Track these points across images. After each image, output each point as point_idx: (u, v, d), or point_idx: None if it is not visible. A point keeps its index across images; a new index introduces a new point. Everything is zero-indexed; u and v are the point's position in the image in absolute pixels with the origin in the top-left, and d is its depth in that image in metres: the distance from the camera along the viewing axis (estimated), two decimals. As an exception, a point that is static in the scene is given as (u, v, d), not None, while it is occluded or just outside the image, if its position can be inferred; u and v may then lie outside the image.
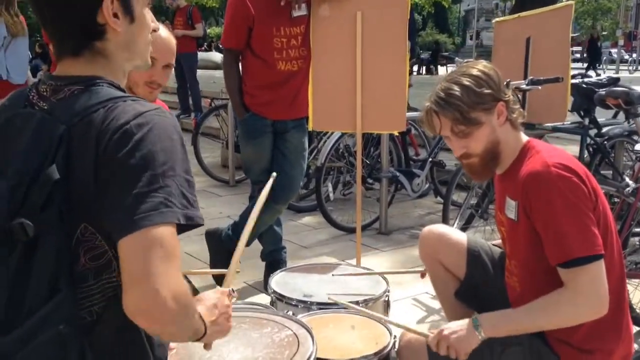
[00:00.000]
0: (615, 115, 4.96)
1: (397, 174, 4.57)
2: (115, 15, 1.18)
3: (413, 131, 5.41)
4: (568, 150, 1.99)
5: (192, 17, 8.29)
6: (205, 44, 21.66)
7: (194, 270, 3.08)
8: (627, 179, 3.03)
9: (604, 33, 43.25)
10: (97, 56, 1.21)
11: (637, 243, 3.17)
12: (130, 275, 1.03)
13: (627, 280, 1.93)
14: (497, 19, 3.97)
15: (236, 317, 1.88)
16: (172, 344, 1.52)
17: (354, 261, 3.31)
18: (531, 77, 3.29)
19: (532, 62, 3.51)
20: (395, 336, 1.97)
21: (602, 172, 4.15)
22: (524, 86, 3.18)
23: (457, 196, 4.18)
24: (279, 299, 2.25)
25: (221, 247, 3.31)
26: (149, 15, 1.27)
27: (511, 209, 1.86)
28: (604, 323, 1.75)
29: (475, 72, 1.82)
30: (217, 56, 20.69)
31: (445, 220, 3.72)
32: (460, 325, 1.78)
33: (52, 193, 1.07)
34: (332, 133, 4.65)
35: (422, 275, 2.43)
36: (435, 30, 48.63)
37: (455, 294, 2.22)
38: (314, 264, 2.80)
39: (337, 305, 2.17)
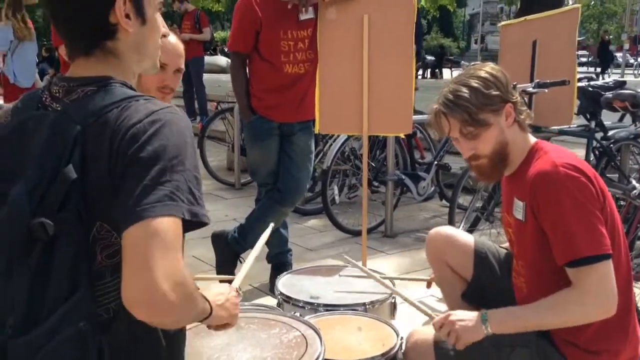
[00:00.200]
0: (621, 119, 4.96)
1: (403, 177, 4.57)
2: (127, 16, 1.20)
3: (419, 134, 5.42)
4: (574, 153, 1.99)
5: (200, 21, 8.32)
6: (211, 47, 21.73)
7: (200, 275, 3.09)
8: (633, 182, 3.03)
9: (610, 37, 43.23)
10: (109, 56, 1.22)
11: (644, 246, 3.17)
12: (129, 266, 1.04)
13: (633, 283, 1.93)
14: (504, 22, 3.99)
15: (244, 318, 1.90)
16: None
17: (359, 264, 3.30)
18: (537, 80, 3.30)
19: (539, 65, 3.52)
20: (402, 337, 1.98)
21: (608, 175, 4.15)
22: (530, 89, 3.19)
23: (463, 199, 4.18)
24: (286, 301, 2.26)
25: (227, 250, 3.32)
26: (159, 19, 1.29)
27: (519, 209, 1.86)
28: (611, 324, 1.75)
29: (483, 74, 1.83)
30: (222, 60, 20.75)
31: (451, 223, 3.72)
32: (468, 315, 1.78)
33: (70, 193, 1.08)
34: (337, 136, 4.67)
35: (429, 285, 2.43)
36: (440, 34, 48.60)
37: (462, 295, 2.23)
38: (320, 266, 2.81)
39: (344, 307, 2.18)
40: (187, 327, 1.62)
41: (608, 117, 4.31)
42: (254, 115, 3.24)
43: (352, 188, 4.98)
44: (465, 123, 1.81)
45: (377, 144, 4.90)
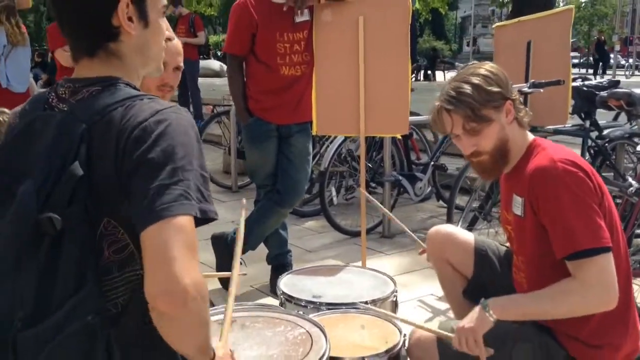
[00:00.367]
0: (615, 118, 5.00)
1: (400, 177, 4.59)
2: (130, 19, 1.22)
3: (414, 136, 5.44)
4: (569, 152, 2.01)
5: (195, 25, 8.33)
6: (206, 51, 21.73)
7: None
8: (630, 179, 3.06)
9: (593, 39, 43.53)
10: (112, 57, 1.24)
11: (641, 243, 3.21)
12: (152, 263, 1.05)
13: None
14: (498, 24, 4.02)
15: (249, 317, 1.91)
16: None
17: (359, 264, 3.33)
18: (533, 80, 3.32)
19: (533, 66, 3.55)
20: (405, 334, 1.99)
21: (603, 174, 4.18)
22: (525, 89, 3.22)
23: (460, 200, 4.21)
24: (288, 300, 2.27)
25: (227, 251, 3.32)
26: (164, 23, 1.31)
27: (518, 205, 1.89)
28: (611, 318, 1.77)
29: (483, 71, 1.86)
30: (215, 64, 20.77)
31: (449, 222, 3.74)
32: (471, 314, 1.81)
33: (77, 189, 1.11)
34: (334, 138, 4.69)
35: (422, 252, 2.45)
36: (432, 37, 48.79)
37: (463, 292, 2.25)
38: (320, 266, 2.82)
39: (346, 306, 2.20)
40: None
41: (603, 117, 4.35)
42: (252, 117, 3.25)
43: (349, 189, 5.00)
44: (468, 119, 1.83)
45: (374, 145, 4.92)
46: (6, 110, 2.58)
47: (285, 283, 2.43)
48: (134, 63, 1.27)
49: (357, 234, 4.24)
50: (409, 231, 1.95)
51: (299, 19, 3.13)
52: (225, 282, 3.39)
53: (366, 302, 2.22)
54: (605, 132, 4.00)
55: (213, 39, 33.45)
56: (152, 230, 1.05)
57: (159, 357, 1.20)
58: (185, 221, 1.07)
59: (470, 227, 3.81)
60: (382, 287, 2.40)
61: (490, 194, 3.74)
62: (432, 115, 1.93)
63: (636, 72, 25.77)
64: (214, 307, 2.00)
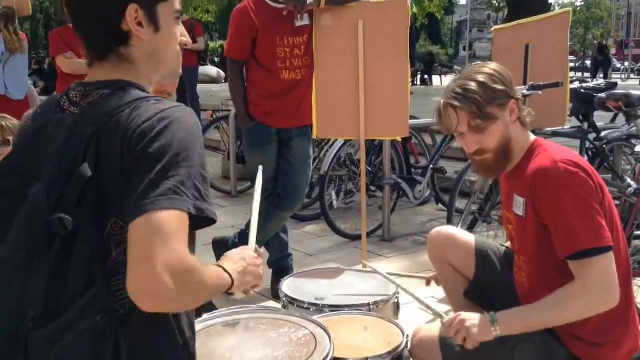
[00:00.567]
0: (613, 120, 5.03)
1: (400, 181, 4.61)
2: (140, 24, 1.23)
3: (413, 140, 5.47)
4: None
5: (194, 30, 8.35)
6: (206, 57, 21.75)
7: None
8: (628, 180, 3.08)
9: (595, 42, 43.68)
10: (123, 62, 1.26)
11: (640, 244, 3.22)
12: (132, 258, 1.06)
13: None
14: (497, 27, 4.04)
15: (253, 318, 1.92)
16: None
17: (359, 267, 3.33)
18: (531, 83, 3.34)
19: (532, 69, 3.57)
20: (407, 335, 2.00)
21: (601, 176, 4.20)
22: (524, 91, 3.24)
23: (459, 203, 4.22)
24: (291, 303, 2.28)
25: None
26: (178, 28, 1.32)
27: (519, 205, 1.90)
28: (612, 317, 1.78)
29: (488, 70, 1.88)
30: (213, 70, 20.79)
31: (449, 224, 3.76)
32: (477, 317, 1.81)
33: (86, 190, 1.12)
34: (333, 142, 4.70)
35: (428, 283, 2.47)
36: (428, 41, 48.97)
37: (464, 293, 2.26)
38: (322, 268, 2.83)
39: (349, 308, 2.21)
40: (199, 328, 1.63)
41: (600, 119, 4.37)
42: (252, 121, 3.27)
43: (348, 193, 5.01)
44: (473, 115, 1.85)
45: (373, 149, 4.94)
46: (6, 115, 2.59)
47: (288, 286, 2.44)
48: (146, 67, 1.29)
49: (357, 238, 4.25)
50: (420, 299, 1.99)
51: (299, 24, 3.16)
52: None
53: (368, 304, 2.23)
54: (603, 133, 4.02)
55: (210, 45, 33.49)
56: (135, 225, 1.06)
57: (165, 357, 1.21)
58: (170, 216, 1.06)
59: (469, 229, 3.82)
60: (383, 288, 2.41)
61: (489, 197, 3.75)
62: (437, 113, 1.93)
63: (632, 76, 25.91)
64: (217, 310, 2.02)
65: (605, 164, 4.07)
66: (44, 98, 6.47)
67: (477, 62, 2.07)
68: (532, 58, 3.57)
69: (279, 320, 1.91)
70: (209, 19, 23.18)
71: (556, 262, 1.78)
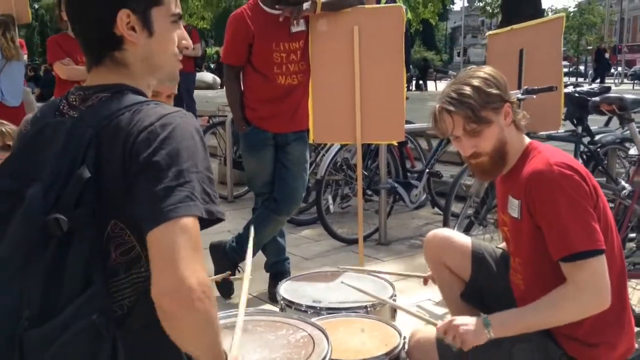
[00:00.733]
0: (607, 123, 5.06)
1: (396, 185, 4.63)
2: (133, 29, 1.24)
3: (409, 144, 5.49)
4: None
5: (191, 37, 8.37)
6: (202, 64, 21.76)
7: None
8: (622, 182, 3.11)
9: (589, 47, 43.90)
10: (118, 66, 1.27)
11: (634, 246, 3.24)
12: (159, 262, 1.07)
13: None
14: (491, 32, 4.08)
15: (251, 321, 1.93)
16: None
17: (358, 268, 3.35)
18: (526, 87, 3.37)
19: (526, 73, 3.60)
20: (405, 337, 2.01)
21: (595, 179, 4.22)
22: (519, 95, 3.26)
23: (454, 206, 4.24)
24: (289, 306, 2.28)
25: (225, 259, 3.35)
26: (176, 31, 1.32)
27: (514, 207, 1.92)
28: (607, 317, 1.80)
29: (482, 74, 1.90)
30: (208, 76, 20.84)
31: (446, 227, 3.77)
32: (470, 320, 1.82)
33: (84, 192, 1.13)
34: (330, 147, 4.72)
35: (425, 282, 2.49)
36: (423, 47, 49.17)
37: (460, 295, 2.27)
38: (319, 271, 2.84)
39: (346, 310, 2.22)
40: None
41: (594, 123, 4.41)
42: (249, 126, 3.28)
43: (344, 198, 5.03)
44: (468, 120, 1.87)
45: (369, 153, 4.96)
46: (4, 121, 2.60)
47: (285, 289, 2.45)
48: (141, 71, 1.29)
49: (353, 242, 4.27)
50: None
51: (295, 29, 3.18)
52: (223, 290, 3.40)
53: (365, 307, 2.25)
54: (597, 137, 4.05)
55: (206, 52, 33.52)
56: (158, 232, 1.08)
57: (165, 357, 1.21)
58: (190, 222, 1.09)
59: (465, 232, 3.83)
60: (381, 291, 2.42)
61: (485, 200, 3.77)
62: (433, 117, 1.95)
63: (625, 80, 26.05)
64: (220, 312, 2.02)
65: (600, 167, 4.10)
66: (39, 105, 6.46)
67: (472, 66, 2.09)
68: (526, 63, 3.59)
69: (276, 322, 1.92)
70: (205, 26, 23.19)
71: (551, 264, 1.80)
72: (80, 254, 1.13)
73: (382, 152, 4.52)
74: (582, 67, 39.14)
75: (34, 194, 1.13)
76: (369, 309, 2.24)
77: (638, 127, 3.23)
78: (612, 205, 3.14)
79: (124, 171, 1.14)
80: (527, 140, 1.98)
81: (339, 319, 2.17)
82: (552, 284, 1.79)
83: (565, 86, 3.93)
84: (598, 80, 21.90)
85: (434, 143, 5.31)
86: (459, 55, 49.61)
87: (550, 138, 3.81)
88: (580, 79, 26.98)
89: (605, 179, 4.03)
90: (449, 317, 2.49)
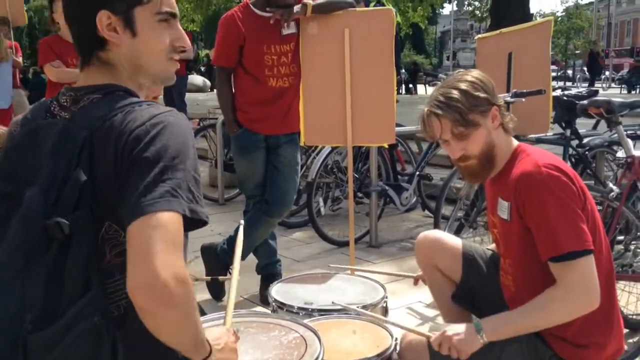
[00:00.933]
0: (595, 127, 5.11)
1: (386, 187, 4.65)
2: (115, 30, 1.24)
3: (399, 147, 5.52)
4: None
5: None
6: (195, 67, 21.67)
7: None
8: (610, 184, 3.14)
9: (577, 52, 44.26)
10: (106, 65, 1.28)
11: (622, 248, 3.28)
12: (132, 257, 1.07)
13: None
14: (480, 36, 4.10)
15: (243, 322, 1.93)
16: None
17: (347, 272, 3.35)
18: (514, 90, 3.40)
19: (514, 77, 3.63)
20: (396, 338, 2.02)
21: (584, 182, 4.26)
22: (508, 98, 3.29)
23: (444, 209, 4.27)
24: (280, 307, 2.28)
25: (217, 262, 3.35)
26: (165, 31, 1.29)
27: (503, 209, 1.94)
28: (596, 318, 1.82)
29: (470, 78, 1.92)
30: (198, 79, 20.80)
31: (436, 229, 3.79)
32: (462, 328, 1.83)
33: (82, 194, 1.13)
34: (320, 150, 4.74)
35: (416, 282, 2.51)
36: (412, 51, 49.34)
37: (452, 297, 2.29)
38: (310, 273, 2.85)
39: (338, 312, 2.23)
40: None
41: (583, 126, 4.45)
42: (240, 128, 3.29)
43: (335, 200, 5.04)
44: (456, 123, 1.89)
45: (360, 156, 4.98)
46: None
47: (277, 291, 2.45)
48: (128, 71, 1.29)
49: (344, 244, 4.28)
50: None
51: (285, 32, 3.18)
52: (215, 293, 3.40)
53: (357, 308, 2.25)
54: (585, 140, 4.09)
55: (198, 54, 33.41)
56: (134, 226, 1.07)
57: (164, 357, 1.21)
58: (169, 217, 1.08)
59: (456, 235, 3.86)
60: (372, 293, 2.43)
61: (475, 203, 3.80)
62: (421, 121, 1.98)
63: (613, 85, 26.27)
64: (207, 315, 2.02)
65: (588, 170, 4.14)
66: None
67: (460, 70, 2.11)
68: (514, 66, 3.63)
69: (269, 323, 1.92)
70: (194, 28, 23.13)
71: (541, 265, 1.81)
72: (79, 256, 1.13)
73: (373, 154, 4.53)
74: (570, 71, 39.45)
75: (32, 197, 1.13)
76: (360, 310, 2.24)
77: (625, 130, 3.27)
78: (600, 207, 3.17)
79: (116, 171, 1.14)
80: (516, 142, 2.01)
81: (331, 320, 2.17)
82: (542, 285, 1.80)
83: (554, 90, 3.97)
84: (585, 85, 21.99)
85: (424, 146, 5.33)
86: (448, 59, 49.87)
87: (539, 141, 3.84)
88: (569, 83, 27.14)
89: (593, 181, 4.08)
90: (440, 320, 2.52)
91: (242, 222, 2.02)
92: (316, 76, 3.25)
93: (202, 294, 3.32)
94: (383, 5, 7.55)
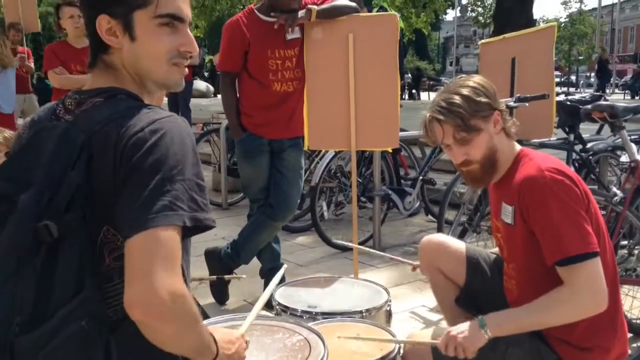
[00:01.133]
0: (598, 131, 5.11)
1: (390, 192, 4.65)
2: (115, 34, 1.25)
3: (403, 152, 5.52)
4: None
5: None
6: (201, 72, 21.67)
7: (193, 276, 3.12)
8: (614, 189, 3.14)
9: (580, 57, 44.22)
10: (109, 69, 1.29)
11: (626, 253, 3.27)
12: (131, 272, 1.08)
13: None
14: (483, 41, 4.11)
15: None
16: None
17: (351, 275, 3.35)
18: (518, 95, 3.41)
19: (518, 81, 3.63)
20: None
21: (587, 186, 4.26)
22: (511, 103, 3.30)
23: (447, 214, 4.27)
24: (284, 311, 2.29)
25: (220, 266, 3.35)
26: (167, 35, 1.27)
27: (507, 213, 1.94)
28: (600, 321, 1.82)
29: (471, 83, 1.93)
30: (202, 85, 20.82)
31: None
32: (466, 326, 1.84)
33: (75, 197, 1.13)
34: (324, 154, 4.74)
35: (413, 269, 2.50)
36: (415, 57, 49.42)
37: (455, 300, 2.29)
38: (314, 277, 2.85)
39: (341, 315, 2.23)
40: None
41: (586, 131, 4.45)
42: (244, 132, 3.30)
43: (339, 205, 5.04)
44: (458, 128, 1.90)
45: (363, 160, 4.99)
46: (3, 128, 2.61)
47: (281, 294, 2.46)
48: (131, 75, 1.29)
49: (347, 249, 4.27)
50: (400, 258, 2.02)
51: (290, 37, 3.20)
52: (218, 297, 3.40)
53: (361, 312, 2.26)
54: (589, 145, 4.09)
55: (204, 60, 33.48)
56: (132, 242, 1.08)
57: None
58: (167, 232, 1.08)
59: (459, 239, 3.86)
60: (375, 296, 2.43)
61: (478, 207, 3.80)
62: (424, 126, 1.99)
63: (616, 90, 26.26)
64: (211, 319, 2.03)
65: (592, 175, 4.14)
66: (33, 112, 6.45)
67: (462, 75, 2.12)
68: (518, 71, 3.63)
69: (273, 326, 1.93)
70: (198, 34, 23.20)
71: (545, 269, 1.81)
72: (71, 260, 1.13)
73: (377, 159, 4.54)
74: (573, 77, 39.43)
75: (25, 200, 1.14)
76: (364, 314, 2.25)
77: (629, 135, 3.27)
78: (603, 212, 3.17)
79: (114, 176, 1.14)
80: (518, 147, 2.01)
81: (335, 323, 2.17)
82: (546, 289, 1.80)
83: (557, 95, 3.97)
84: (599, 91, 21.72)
85: (427, 151, 5.34)
86: (451, 65, 49.86)
87: (542, 146, 3.84)
88: (572, 89, 27.11)
89: (597, 186, 4.07)
90: (443, 324, 2.52)
91: (285, 266, 2.16)
92: (320, 81, 3.26)
93: (206, 298, 3.33)
94: (386, 10, 7.56)
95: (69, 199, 1.13)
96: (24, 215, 1.13)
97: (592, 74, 29.04)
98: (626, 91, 23.84)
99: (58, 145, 1.17)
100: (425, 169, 4.86)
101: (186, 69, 1.35)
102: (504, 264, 2.10)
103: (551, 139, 3.85)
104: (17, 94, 6.52)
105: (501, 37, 3.90)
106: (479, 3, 36.90)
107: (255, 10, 3.20)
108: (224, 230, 4.74)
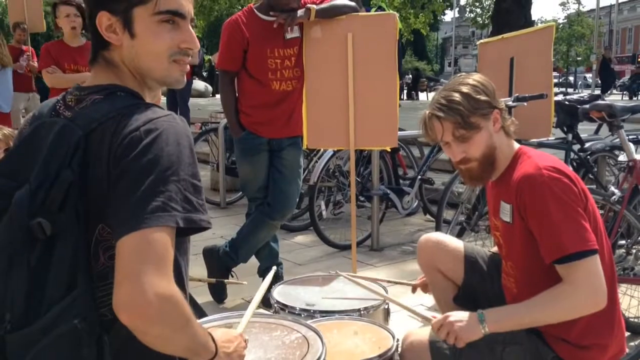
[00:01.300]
0: (597, 131, 5.12)
1: (388, 191, 4.66)
2: (115, 30, 1.24)
3: (401, 151, 5.53)
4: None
5: None
6: (201, 71, 21.63)
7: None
8: (612, 188, 3.15)
9: (578, 58, 44.29)
10: (109, 65, 1.28)
11: (624, 252, 3.28)
12: (120, 273, 1.07)
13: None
14: (482, 41, 4.12)
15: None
16: None
17: (352, 275, 3.35)
18: (517, 95, 3.41)
19: (516, 81, 3.64)
20: (398, 339, 2.02)
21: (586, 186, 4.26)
22: (510, 103, 3.30)
23: (445, 213, 4.28)
24: (282, 309, 2.29)
25: (219, 264, 3.36)
26: (167, 32, 1.26)
27: (506, 212, 1.95)
28: (598, 319, 1.83)
29: (471, 81, 1.93)
30: (200, 84, 20.83)
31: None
32: (465, 316, 1.84)
33: (69, 194, 1.13)
34: (322, 153, 4.75)
35: (413, 290, 2.50)
36: (414, 57, 49.44)
37: (453, 299, 2.29)
38: (313, 275, 2.85)
39: (339, 313, 2.23)
40: None
41: (584, 131, 4.46)
42: (243, 131, 3.30)
43: (337, 204, 5.05)
44: (457, 126, 1.90)
45: (362, 160, 4.99)
46: (2, 126, 2.61)
47: (279, 292, 2.46)
48: (131, 72, 1.28)
49: (346, 248, 4.29)
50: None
51: (289, 36, 3.20)
52: (217, 295, 3.40)
53: (359, 310, 2.26)
54: (587, 144, 4.10)
55: (204, 59, 33.44)
56: (125, 241, 1.07)
57: None
58: (158, 234, 1.07)
59: (457, 238, 3.87)
60: (373, 295, 2.43)
61: (476, 206, 3.80)
62: (423, 123, 1.99)
63: (614, 91, 26.29)
64: (209, 317, 2.03)
65: (590, 175, 4.14)
66: (31, 110, 6.46)
67: (462, 74, 2.12)
68: (516, 71, 3.64)
69: (271, 324, 1.93)
70: (197, 34, 23.14)
71: (543, 267, 1.82)
72: (64, 257, 1.12)
73: (375, 158, 4.54)
74: (571, 78, 39.45)
75: (19, 197, 1.13)
76: (362, 312, 2.25)
77: (627, 135, 3.28)
78: (601, 211, 3.18)
79: (108, 174, 1.13)
80: (517, 145, 2.01)
81: (333, 321, 2.17)
82: (545, 287, 1.80)
83: (556, 95, 3.98)
84: (596, 92, 21.24)
85: (426, 151, 5.35)
86: (449, 66, 49.96)
87: (541, 145, 3.85)
88: (570, 90, 27.12)
89: (595, 185, 4.08)
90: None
91: (275, 268, 2.17)
92: (319, 80, 3.27)
93: (204, 296, 3.33)
94: (384, 10, 7.56)
95: (63, 196, 1.12)
96: (17, 212, 1.12)
97: (589, 75, 28.99)
98: (624, 92, 23.80)
99: (55, 142, 1.16)
100: (424, 168, 4.87)
101: (187, 66, 1.33)
102: (503, 262, 2.10)
103: (549, 138, 3.86)
104: (21, 92, 6.54)
105: (500, 37, 3.91)
106: (477, 4, 37.01)
107: (255, 10, 3.21)
108: (223, 229, 4.75)
